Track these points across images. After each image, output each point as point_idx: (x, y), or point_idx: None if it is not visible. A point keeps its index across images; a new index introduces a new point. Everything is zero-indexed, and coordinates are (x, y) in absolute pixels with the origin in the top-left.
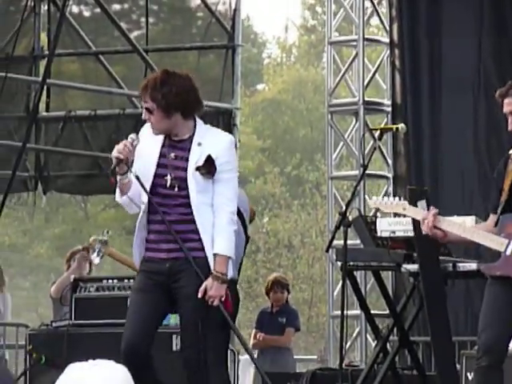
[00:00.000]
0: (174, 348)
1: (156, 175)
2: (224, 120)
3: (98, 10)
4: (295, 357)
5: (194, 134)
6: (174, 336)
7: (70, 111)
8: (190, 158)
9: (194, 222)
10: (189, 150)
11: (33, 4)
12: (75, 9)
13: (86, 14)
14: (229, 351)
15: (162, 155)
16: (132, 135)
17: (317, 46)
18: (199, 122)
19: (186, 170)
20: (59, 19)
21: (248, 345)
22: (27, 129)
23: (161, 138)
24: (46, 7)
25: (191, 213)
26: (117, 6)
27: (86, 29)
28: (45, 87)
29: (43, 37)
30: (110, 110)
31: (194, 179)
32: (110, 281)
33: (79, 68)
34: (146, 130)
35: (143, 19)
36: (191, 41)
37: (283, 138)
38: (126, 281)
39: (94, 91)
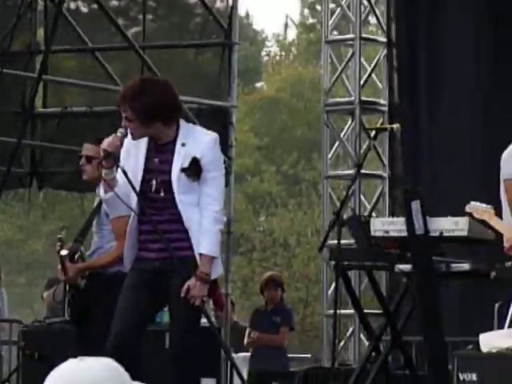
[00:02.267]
0: (167, 346)
1: (143, 180)
2: (220, 118)
3: (95, 6)
4: (290, 355)
5: (177, 136)
6: (167, 334)
7: (66, 107)
8: (174, 160)
9: (182, 222)
10: (172, 153)
11: None
12: (73, 5)
13: (84, 10)
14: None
15: (147, 160)
16: (121, 129)
17: (316, 45)
18: (182, 122)
19: (170, 173)
20: (55, 15)
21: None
22: (22, 125)
23: (145, 141)
24: (43, 3)
25: (179, 213)
26: (115, 3)
27: (84, 25)
28: (41, 83)
29: (40, 33)
30: (106, 107)
31: (178, 181)
32: None
33: (76, 64)
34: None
35: (141, 16)
36: (189, 38)
37: (280, 137)
38: None
39: (90, 88)
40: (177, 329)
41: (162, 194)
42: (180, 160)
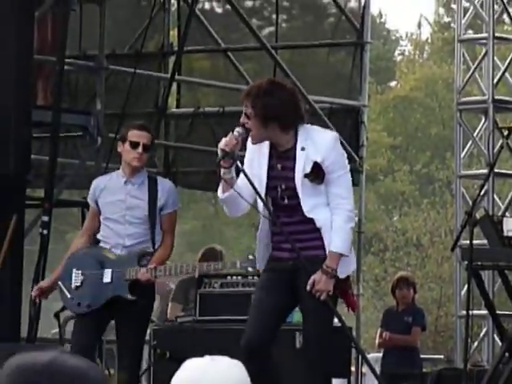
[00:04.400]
0: (298, 345)
1: (268, 187)
2: (352, 117)
3: (229, 6)
4: (423, 356)
5: (296, 141)
6: (297, 333)
7: (199, 108)
8: (296, 167)
9: (313, 222)
10: (294, 159)
11: (162, 0)
12: (207, 5)
13: (218, 10)
14: (353, 349)
15: (270, 167)
16: (239, 129)
17: (450, 43)
18: (300, 127)
19: (293, 179)
20: (188, 15)
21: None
22: (156, 125)
23: (267, 147)
24: (177, 3)
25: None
26: (249, 3)
27: (218, 25)
28: (175, 84)
29: (174, 33)
30: (238, 107)
31: (302, 186)
32: (235, 277)
33: (209, 65)
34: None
35: (275, 16)
36: (322, 38)
37: (414, 136)
38: (249, 277)
39: (221, 88)
40: (310, 329)
41: (286, 201)
42: (301, 165)
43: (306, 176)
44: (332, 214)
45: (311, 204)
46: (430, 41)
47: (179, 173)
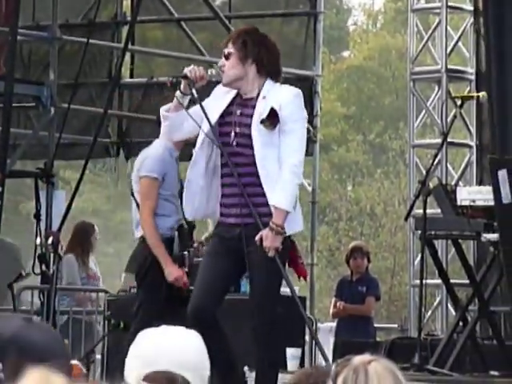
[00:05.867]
0: None
1: (221, 133)
2: (305, 87)
3: None
4: (377, 325)
5: (260, 92)
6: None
7: (152, 77)
8: (254, 113)
9: (259, 176)
10: (254, 107)
11: None
12: None
13: None
14: (307, 319)
15: (228, 113)
16: (214, 71)
17: (404, 13)
18: (268, 80)
19: (250, 126)
20: None
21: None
22: (109, 95)
23: (231, 96)
24: None
25: (257, 167)
26: None
27: None
28: (128, 54)
29: (127, 3)
30: None
31: (257, 132)
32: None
33: (162, 35)
34: (219, 90)
35: None
36: (275, 8)
37: (368, 106)
38: (201, 247)
39: (175, 58)
40: (256, 295)
41: (237, 147)
42: (259, 111)
43: (261, 122)
44: (280, 166)
45: (264, 154)
46: (383, 10)
47: (133, 142)
